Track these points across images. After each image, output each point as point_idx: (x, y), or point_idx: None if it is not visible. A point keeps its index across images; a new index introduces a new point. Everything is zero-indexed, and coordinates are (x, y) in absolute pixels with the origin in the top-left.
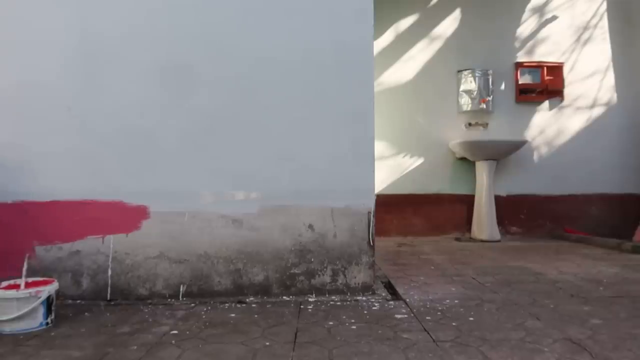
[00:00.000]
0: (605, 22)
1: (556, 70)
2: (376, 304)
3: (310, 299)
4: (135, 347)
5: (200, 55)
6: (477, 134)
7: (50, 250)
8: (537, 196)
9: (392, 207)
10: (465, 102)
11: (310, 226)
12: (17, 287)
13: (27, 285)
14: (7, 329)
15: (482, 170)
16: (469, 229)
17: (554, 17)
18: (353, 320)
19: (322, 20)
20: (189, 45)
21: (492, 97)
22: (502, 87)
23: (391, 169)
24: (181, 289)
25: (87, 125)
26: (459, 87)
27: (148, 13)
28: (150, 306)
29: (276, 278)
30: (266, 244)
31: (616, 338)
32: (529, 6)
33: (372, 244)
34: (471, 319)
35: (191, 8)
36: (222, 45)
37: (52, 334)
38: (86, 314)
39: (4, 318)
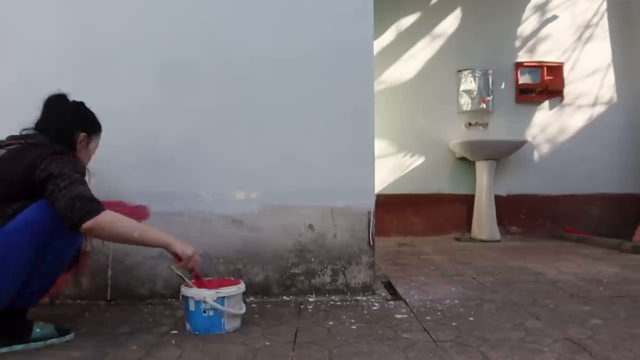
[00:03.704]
0: (605, 21)
1: (556, 70)
2: (376, 304)
3: (310, 299)
4: (135, 347)
5: (200, 55)
6: (477, 134)
7: None
8: (537, 196)
9: (392, 207)
10: (465, 102)
11: (311, 226)
12: None
13: None
14: None
15: (482, 170)
16: (469, 229)
17: (554, 17)
18: (353, 320)
19: (323, 20)
20: (188, 45)
21: (492, 97)
22: (502, 87)
23: (391, 169)
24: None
25: None
26: (459, 86)
27: (148, 12)
28: (150, 306)
29: (276, 278)
30: (266, 244)
31: (616, 338)
32: (530, 5)
33: (372, 243)
34: (471, 318)
35: (190, 8)
36: (222, 45)
37: None
38: (86, 313)
39: None
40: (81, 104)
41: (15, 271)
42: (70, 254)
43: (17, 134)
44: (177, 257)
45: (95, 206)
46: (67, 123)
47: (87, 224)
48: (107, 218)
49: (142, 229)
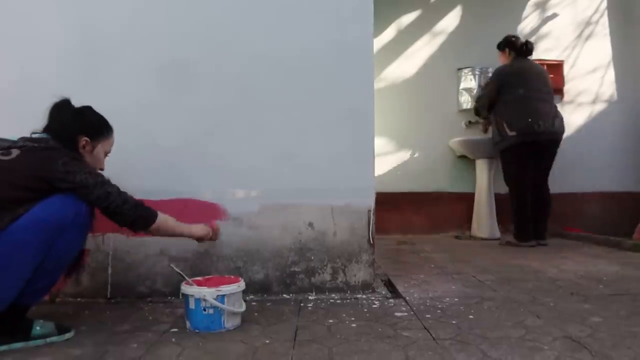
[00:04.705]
0: (606, 19)
1: (556, 67)
2: (376, 302)
3: (310, 297)
4: (135, 345)
5: (199, 54)
6: (477, 132)
7: None
8: None
9: (392, 205)
10: (465, 100)
11: (311, 224)
12: None
13: None
14: None
15: (482, 169)
16: (469, 227)
17: (555, 15)
18: (353, 319)
19: (322, 18)
20: (187, 45)
21: None
22: None
23: (391, 167)
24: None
25: None
26: (459, 85)
27: (147, 12)
28: (150, 304)
29: (276, 276)
30: (266, 242)
31: (616, 336)
32: (530, 3)
33: (372, 242)
34: (471, 317)
35: (189, 7)
36: (220, 44)
37: None
38: (86, 311)
39: None
40: (87, 108)
41: (21, 269)
42: (75, 251)
43: (29, 135)
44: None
45: (152, 210)
46: (68, 127)
47: (154, 226)
48: (161, 217)
49: (175, 222)
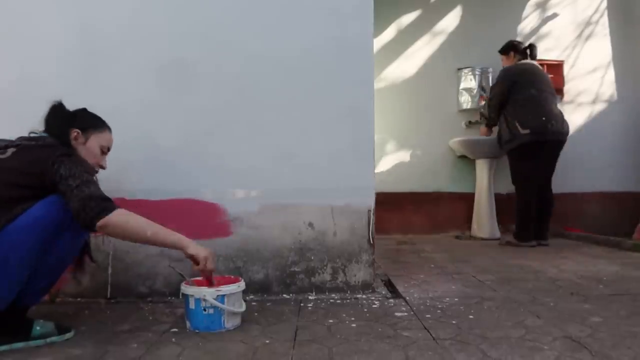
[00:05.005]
0: (606, 19)
1: (556, 67)
2: (376, 302)
3: (310, 297)
4: (135, 345)
5: (199, 53)
6: (477, 132)
7: None
8: None
9: (392, 205)
10: (465, 100)
11: (311, 224)
12: None
13: None
14: None
15: (482, 169)
16: (469, 227)
17: (555, 15)
18: (353, 319)
19: (322, 17)
20: (187, 44)
21: None
22: None
23: (391, 167)
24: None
25: None
26: (459, 85)
27: (147, 11)
28: (150, 304)
29: (276, 276)
30: (266, 242)
31: (616, 336)
32: (530, 3)
33: (372, 242)
34: (471, 317)
35: (188, 6)
36: (220, 43)
37: None
38: (86, 311)
39: None
40: (82, 109)
41: (19, 269)
42: (75, 251)
43: (27, 135)
44: (193, 260)
45: (108, 205)
46: (60, 121)
47: (100, 222)
48: (120, 216)
49: (155, 228)
